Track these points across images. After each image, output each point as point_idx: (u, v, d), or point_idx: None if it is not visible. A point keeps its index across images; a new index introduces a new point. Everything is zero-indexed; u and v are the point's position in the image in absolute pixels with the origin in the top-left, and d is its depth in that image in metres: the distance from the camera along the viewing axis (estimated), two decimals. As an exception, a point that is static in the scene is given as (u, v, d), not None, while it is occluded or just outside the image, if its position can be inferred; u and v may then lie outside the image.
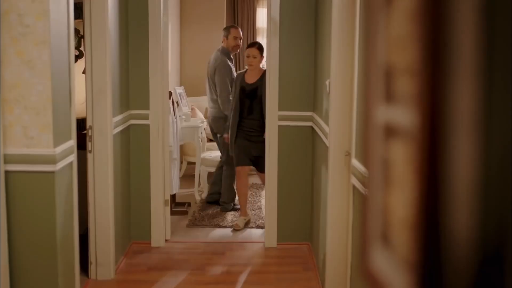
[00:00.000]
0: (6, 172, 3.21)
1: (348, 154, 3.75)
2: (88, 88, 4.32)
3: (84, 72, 4.43)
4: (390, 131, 0.73)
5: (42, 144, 3.24)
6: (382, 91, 0.74)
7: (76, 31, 5.39)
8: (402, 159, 0.69)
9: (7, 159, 3.20)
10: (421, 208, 0.66)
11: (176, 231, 5.51)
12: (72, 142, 3.56)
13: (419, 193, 0.66)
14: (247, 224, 5.74)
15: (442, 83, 0.66)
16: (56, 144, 3.29)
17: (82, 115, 4.59)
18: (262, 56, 5.66)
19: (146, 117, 5.03)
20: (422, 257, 0.67)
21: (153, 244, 5.13)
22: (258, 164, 5.70)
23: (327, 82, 4.08)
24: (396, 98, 0.71)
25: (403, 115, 0.68)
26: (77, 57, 5.62)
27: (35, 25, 3.13)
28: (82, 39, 4.73)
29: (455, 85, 0.64)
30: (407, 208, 0.68)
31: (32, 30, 3.13)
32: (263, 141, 5.35)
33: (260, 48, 5.67)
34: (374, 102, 0.75)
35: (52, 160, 3.25)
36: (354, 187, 3.29)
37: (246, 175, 5.77)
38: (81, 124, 4.65)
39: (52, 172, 3.26)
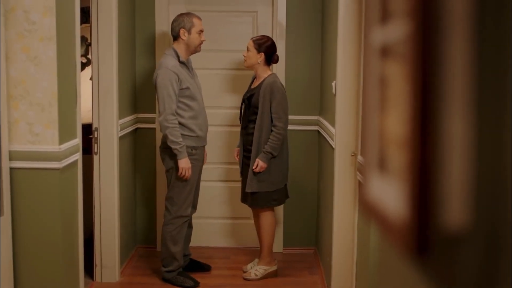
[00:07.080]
0: (11, 169, 3.20)
1: (354, 155, 3.74)
2: (94, 90, 4.34)
3: (91, 79, 4.43)
4: (385, 51, 0.71)
5: (47, 141, 3.24)
6: (379, 12, 0.73)
7: (84, 39, 5.41)
8: (397, 75, 0.68)
9: (12, 156, 3.20)
10: (415, 123, 0.65)
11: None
12: (78, 141, 3.56)
13: (413, 108, 0.65)
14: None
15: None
16: (61, 141, 3.29)
17: (89, 121, 4.59)
18: (258, 53, 4.43)
19: (152, 120, 5.04)
20: (416, 174, 0.65)
21: (158, 249, 5.11)
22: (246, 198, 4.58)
23: (333, 84, 4.08)
24: (391, 15, 0.70)
25: (397, 30, 0.67)
26: (85, 65, 5.63)
27: (41, 22, 3.14)
28: (90, 47, 4.75)
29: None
30: (402, 126, 0.67)
31: (38, 27, 3.14)
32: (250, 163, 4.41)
33: (257, 42, 4.46)
34: (371, 24, 0.74)
35: (57, 157, 3.25)
36: (360, 183, 3.27)
37: (254, 214, 4.70)
38: (88, 129, 4.65)
39: (57, 169, 3.26)
